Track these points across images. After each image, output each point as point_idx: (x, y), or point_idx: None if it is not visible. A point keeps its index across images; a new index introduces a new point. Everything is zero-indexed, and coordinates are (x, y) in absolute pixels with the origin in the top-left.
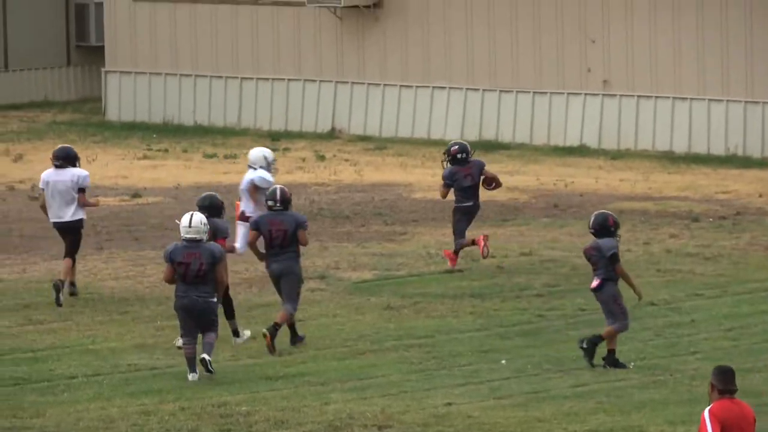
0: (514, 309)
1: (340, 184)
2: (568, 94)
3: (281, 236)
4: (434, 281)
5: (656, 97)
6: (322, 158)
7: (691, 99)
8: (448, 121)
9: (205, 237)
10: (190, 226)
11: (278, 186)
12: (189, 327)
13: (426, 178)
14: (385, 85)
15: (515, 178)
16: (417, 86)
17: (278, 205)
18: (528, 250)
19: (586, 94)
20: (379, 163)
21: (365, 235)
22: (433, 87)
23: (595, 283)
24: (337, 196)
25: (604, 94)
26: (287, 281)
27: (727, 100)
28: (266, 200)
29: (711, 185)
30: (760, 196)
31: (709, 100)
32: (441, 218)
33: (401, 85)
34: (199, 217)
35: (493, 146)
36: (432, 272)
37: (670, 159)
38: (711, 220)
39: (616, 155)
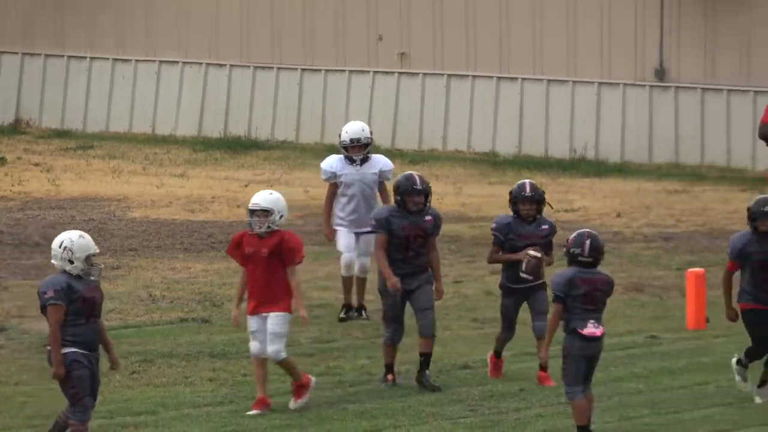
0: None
1: (27, 198)
2: (351, 72)
3: None
4: (159, 335)
5: (474, 76)
6: (1, 161)
7: (523, 79)
8: (181, 108)
9: None
10: None
11: None
12: None
13: (148, 189)
14: (92, 58)
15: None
16: (138, 60)
17: None
18: None
19: (375, 71)
20: (83, 169)
21: None
22: (160, 62)
23: (600, 329)
24: (22, 214)
25: (401, 72)
26: None
27: (574, 81)
28: None
29: (552, 200)
30: (619, 215)
31: (549, 80)
32: (169, 246)
33: (115, 59)
34: None
35: (246, 145)
36: (156, 322)
37: (493, 164)
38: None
39: (416, 157)
